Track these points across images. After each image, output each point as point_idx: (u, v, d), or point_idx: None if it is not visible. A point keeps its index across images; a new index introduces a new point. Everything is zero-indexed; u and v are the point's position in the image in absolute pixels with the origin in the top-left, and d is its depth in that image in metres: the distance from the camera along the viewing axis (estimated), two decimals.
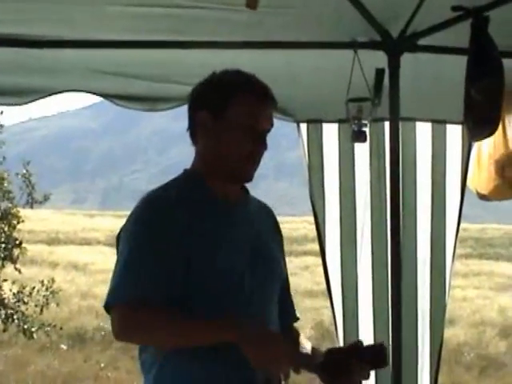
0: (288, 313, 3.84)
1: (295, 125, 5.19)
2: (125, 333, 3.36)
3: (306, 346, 3.74)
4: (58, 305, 16.68)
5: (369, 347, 3.61)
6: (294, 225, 46.37)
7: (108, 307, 3.36)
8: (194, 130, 3.54)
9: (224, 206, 3.56)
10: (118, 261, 3.45)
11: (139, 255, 3.43)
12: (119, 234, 3.53)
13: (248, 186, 3.68)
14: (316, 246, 5.29)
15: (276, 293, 3.68)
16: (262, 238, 3.67)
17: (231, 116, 3.44)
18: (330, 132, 5.15)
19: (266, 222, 3.78)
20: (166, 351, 3.45)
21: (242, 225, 3.60)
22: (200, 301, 3.45)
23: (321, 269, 5.29)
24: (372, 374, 5.17)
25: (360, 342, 3.58)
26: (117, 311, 3.34)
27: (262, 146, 3.51)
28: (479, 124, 4.61)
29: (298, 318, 3.93)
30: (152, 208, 3.48)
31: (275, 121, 5.16)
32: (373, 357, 3.56)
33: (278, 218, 3.94)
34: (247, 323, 3.28)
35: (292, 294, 3.89)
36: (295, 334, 3.84)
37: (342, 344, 5.25)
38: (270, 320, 3.58)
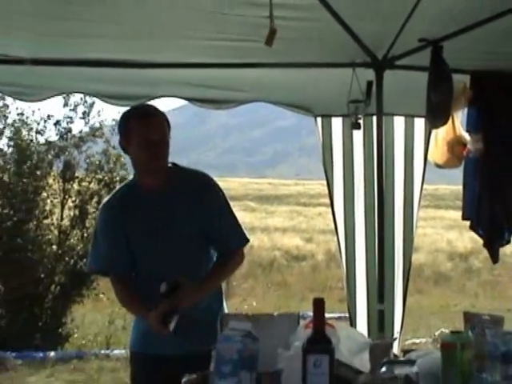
0: (222, 246, 3.78)
1: (313, 118, 5.16)
2: None
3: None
4: None
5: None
6: (312, 186, 46.39)
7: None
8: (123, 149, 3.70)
9: (147, 198, 3.68)
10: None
11: (96, 241, 3.81)
12: None
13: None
14: (327, 200, 5.28)
15: (187, 247, 3.68)
16: (176, 210, 3.69)
17: (132, 139, 3.58)
18: (337, 123, 5.14)
19: (188, 192, 3.73)
20: None
21: (159, 206, 3.67)
22: (137, 264, 3.76)
23: (330, 215, 5.28)
24: (363, 283, 5.20)
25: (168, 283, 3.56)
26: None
27: (156, 149, 3.57)
28: (436, 117, 4.59)
29: (239, 245, 3.84)
30: (101, 212, 3.87)
31: (297, 116, 5.20)
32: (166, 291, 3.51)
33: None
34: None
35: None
36: (215, 266, 3.79)
37: (344, 264, 5.27)
38: (181, 264, 3.66)
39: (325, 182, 5.25)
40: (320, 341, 2.60)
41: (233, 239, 3.80)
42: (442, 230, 32.58)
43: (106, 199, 3.87)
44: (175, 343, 3.59)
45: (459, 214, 5.15)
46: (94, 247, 3.84)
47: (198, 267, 3.71)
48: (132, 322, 3.97)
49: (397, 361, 3.14)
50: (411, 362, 3.03)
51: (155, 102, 4.47)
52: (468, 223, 4.98)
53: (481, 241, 4.99)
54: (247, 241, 3.84)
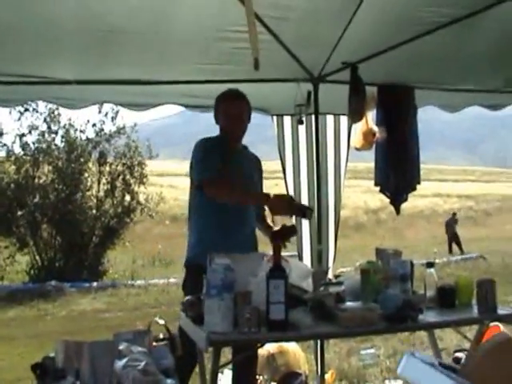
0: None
1: (270, 117, 5.09)
2: (212, 193, 3.43)
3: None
4: None
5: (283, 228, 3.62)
6: (270, 165, 46.25)
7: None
8: (216, 117, 3.73)
9: (231, 152, 3.62)
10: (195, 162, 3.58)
11: (204, 158, 3.54)
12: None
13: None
14: (281, 175, 5.17)
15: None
16: (249, 167, 3.75)
17: (219, 111, 3.69)
18: (287, 120, 5.05)
19: (252, 162, 3.83)
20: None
21: (240, 160, 3.67)
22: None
23: (283, 185, 5.20)
24: (307, 231, 5.14)
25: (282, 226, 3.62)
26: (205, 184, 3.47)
27: (236, 122, 3.65)
28: (354, 115, 4.57)
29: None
30: (201, 144, 3.63)
31: (260, 115, 5.07)
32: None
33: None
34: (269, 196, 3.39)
35: None
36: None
37: (294, 218, 5.15)
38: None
39: (279, 162, 5.19)
40: (278, 271, 2.61)
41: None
42: (360, 193, 32.82)
43: (201, 140, 3.65)
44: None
45: (371, 182, 5.14)
46: (204, 162, 3.52)
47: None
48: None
49: (330, 282, 3.15)
50: (340, 283, 3.06)
51: (160, 109, 4.32)
52: (378, 188, 4.97)
53: (387, 200, 4.99)
54: None
